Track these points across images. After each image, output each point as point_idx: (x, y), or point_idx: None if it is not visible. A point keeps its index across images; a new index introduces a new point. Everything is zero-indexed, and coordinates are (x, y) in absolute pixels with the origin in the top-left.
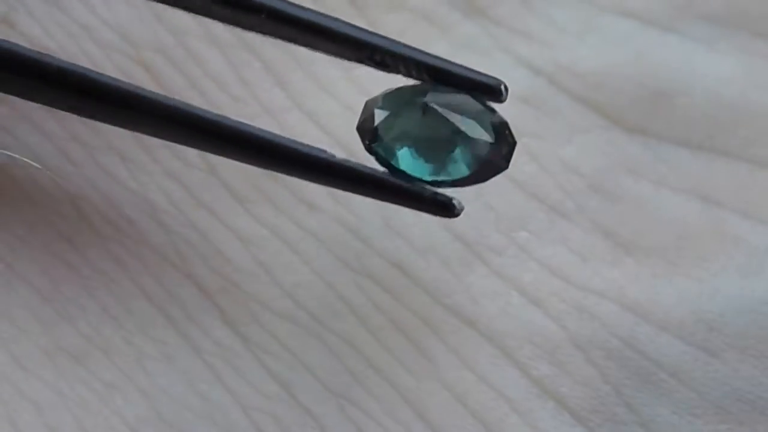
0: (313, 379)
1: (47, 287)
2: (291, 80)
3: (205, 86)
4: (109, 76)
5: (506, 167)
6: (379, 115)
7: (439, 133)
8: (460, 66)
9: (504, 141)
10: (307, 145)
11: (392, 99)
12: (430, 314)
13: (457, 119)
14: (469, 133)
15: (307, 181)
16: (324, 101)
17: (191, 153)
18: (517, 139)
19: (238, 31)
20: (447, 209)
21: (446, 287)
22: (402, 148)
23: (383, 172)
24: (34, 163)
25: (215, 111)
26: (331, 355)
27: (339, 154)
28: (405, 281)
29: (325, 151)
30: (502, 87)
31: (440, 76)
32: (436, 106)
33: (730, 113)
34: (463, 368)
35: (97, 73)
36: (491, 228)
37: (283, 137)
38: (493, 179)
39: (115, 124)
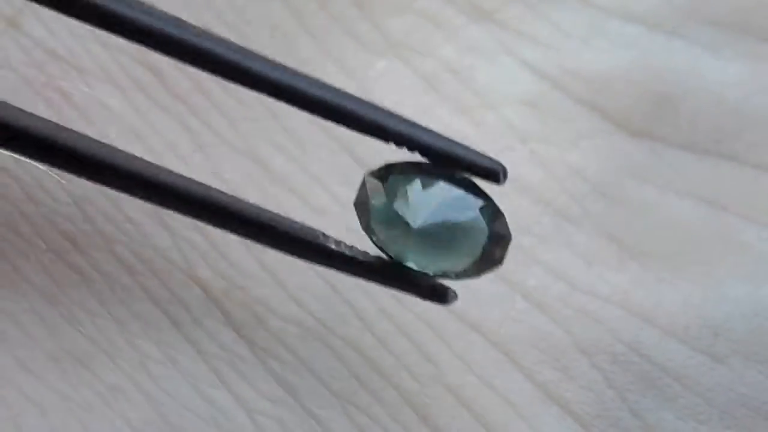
0: (318, 383)
1: (52, 290)
2: None
3: (211, 89)
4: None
5: (501, 264)
6: (372, 219)
7: (431, 248)
8: (462, 146)
9: (498, 242)
10: (306, 227)
11: (391, 188)
12: (435, 319)
13: (453, 230)
14: (465, 241)
15: (303, 261)
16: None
17: (197, 156)
18: (522, 143)
19: (242, 33)
20: (442, 297)
21: None
22: (396, 243)
23: (379, 259)
24: (40, 166)
25: (220, 114)
26: (336, 359)
27: (341, 157)
28: None
29: (324, 235)
30: (501, 173)
31: (438, 156)
32: (435, 225)
33: (735, 118)
34: (467, 373)
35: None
36: None
37: (283, 218)
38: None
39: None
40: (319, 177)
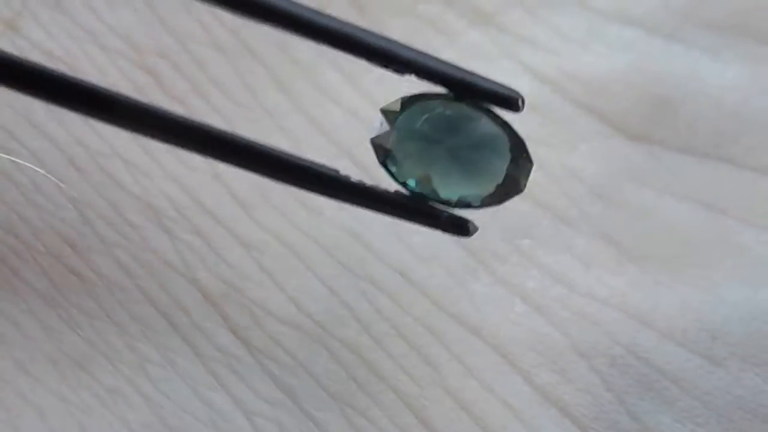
0: (316, 386)
1: (51, 293)
2: (294, 86)
3: (209, 91)
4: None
5: (523, 189)
6: (396, 139)
7: (456, 168)
8: (478, 76)
9: (521, 164)
10: (326, 166)
11: (409, 119)
12: (434, 321)
13: (477, 150)
14: (488, 163)
15: (322, 196)
16: (327, 107)
17: (196, 159)
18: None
19: (242, 36)
20: (462, 229)
21: (450, 295)
22: (417, 175)
23: (398, 193)
24: (39, 169)
25: (218, 117)
26: (335, 362)
27: (341, 161)
28: (409, 288)
29: (338, 172)
30: (519, 100)
31: (457, 86)
32: (455, 148)
33: (734, 121)
34: (466, 375)
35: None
36: (495, 235)
37: (303, 158)
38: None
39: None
40: None
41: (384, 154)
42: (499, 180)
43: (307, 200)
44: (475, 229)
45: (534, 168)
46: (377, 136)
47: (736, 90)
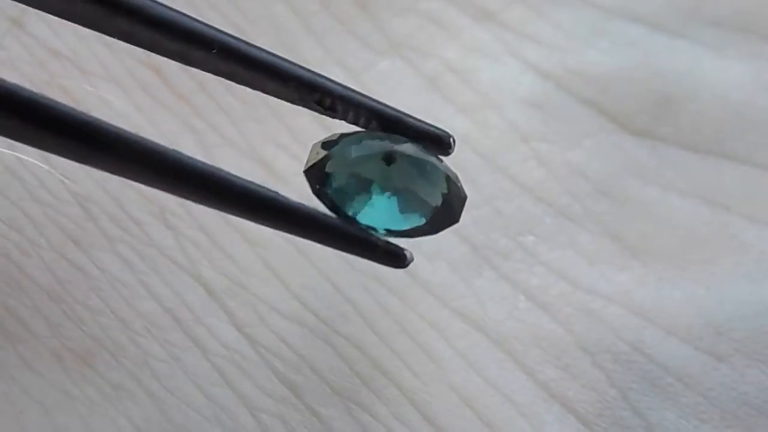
0: (320, 382)
1: (55, 288)
2: None
3: (215, 89)
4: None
5: (458, 220)
6: (332, 161)
7: (396, 185)
8: (411, 117)
9: (456, 194)
10: (264, 187)
11: (345, 149)
12: (438, 317)
13: (415, 171)
14: (427, 185)
15: (257, 224)
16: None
17: (200, 156)
18: (524, 142)
19: (245, 33)
20: (398, 260)
21: (454, 291)
22: (355, 197)
23: (336, 219)
24: (43, 165)
25: (224, 115)
26: (339, 358)
27: None
28: (412, 284)
29: (277, 193)
30: (451, 140)
31: (391, 125)
32: (401, 157)
33: (738, 118)
34: (470, 372)
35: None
36: (499, 232)
37: (237, 177)
38: (501, 183)
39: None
40: None
41: (318, 184)
42: (437, 203)
43: (312, 198)
44: (411, 259)
45: (536, 164)
46: (311, 166)
47: (740, 87)
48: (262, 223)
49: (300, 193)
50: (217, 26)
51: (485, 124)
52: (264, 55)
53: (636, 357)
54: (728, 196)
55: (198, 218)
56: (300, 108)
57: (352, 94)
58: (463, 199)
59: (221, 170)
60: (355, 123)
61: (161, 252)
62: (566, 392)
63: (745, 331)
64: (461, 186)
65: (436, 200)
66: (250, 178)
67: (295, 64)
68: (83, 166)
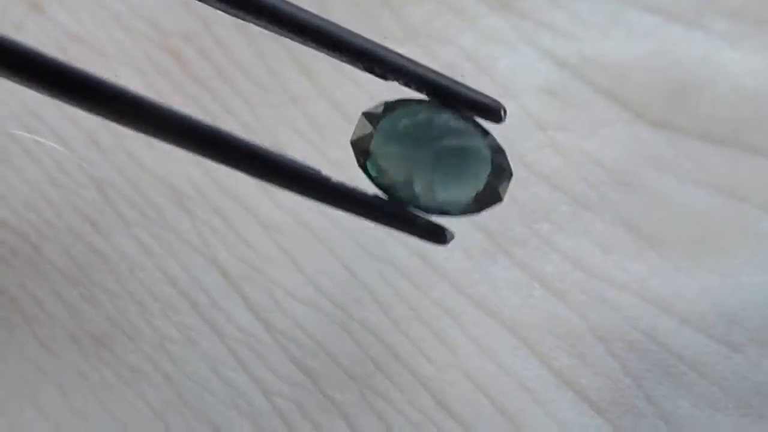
0: (335, 367)
1: (73, 271)
2: (316, 69)
3: (233, 75)
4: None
5: (502, 199)
6: (377, 139)
7: (438, 175)
8: (463, 85)
9: (500, 173)
10: (307, 165)
11: (392, 122)
12: (453, 304)
13: (459, 155)
14: (469, 171)
15: (301, 196)
16: (350, 90)
17: None
18: (541, 131)
19: None
20: (439, 236)
21: (469, 278)
22: (398, 180)
23: (376, 197)
24: (61, 148)
25: (241, 100)
26: (354, 343)
27: None
28: (428, 271)
29: (319, 172)
30: (502, 110)
31: (441, 93)
32: (441, 147)
33: (754, 108)
34: (484, 358)
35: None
36: (514, 219)
37: (280, 154)
38: (517, 171)
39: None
40: (338, 162)
41: (363, 156)
42: (479, 188)
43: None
44: (452, 236)
45: (553, 152)
46: (357, 138)
47: (756, 77)
48: (306, 196)
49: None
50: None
51: None
52: (320, 22)
53: (650, 346)
54: (744, 186)
55: (214, 202)
56: (316, 92)
57: (403, 63)
58: (508, 177)
59: (267, 149)
60: (408, 86)
61: (178, 236)
62: (580, 380)
63: (759, 321)
64: (508, 163)
65: (481, 180)
66: None
67: (348, 31)
68: (101, 150)
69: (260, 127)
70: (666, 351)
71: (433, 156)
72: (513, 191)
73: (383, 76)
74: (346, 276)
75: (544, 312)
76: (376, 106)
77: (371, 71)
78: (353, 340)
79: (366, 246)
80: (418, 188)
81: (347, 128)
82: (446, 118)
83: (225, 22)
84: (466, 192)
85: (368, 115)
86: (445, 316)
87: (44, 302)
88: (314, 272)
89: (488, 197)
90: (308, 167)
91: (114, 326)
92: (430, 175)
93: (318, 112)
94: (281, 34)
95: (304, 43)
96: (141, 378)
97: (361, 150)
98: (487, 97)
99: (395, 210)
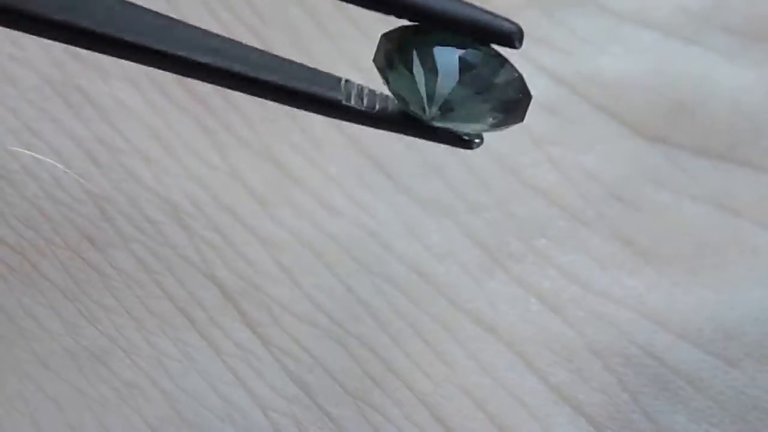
0: (332, 382)
1: (70, 287)
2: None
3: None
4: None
5: (522, 119)
6: (393, 76)
7: (464, 92)
8: (478, 7)
9: (522, 95)
10: (327, 74)
11: (409, 50)
12: (450, 319)
13: (484, 77)
14: (495, 91)
15: (323, 116)
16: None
17: (215, 157)
18: (538, 146)
19: (260, 35)
20: (464, 142)
21: (466, 293)
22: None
23: (402, 112)
24: (59, 165)
25: (239, 115)
26: (351, 358)
27: (362, 155)
28: (425, 286)
29: (347, 81)
30: (516, 34)
31: (452, 22)
32: (468, 63)
33: (751, 124)
34: (481, 374)
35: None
36: (511, 235)
37: (302, 65)
38: (514, 186)
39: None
40: (336, 178)
41: (385, 80)
42: (502, 107)
43: (325, 198)
44: (481, 142)
45: (550, 168)
46: (379, 57)
47: (752, 93)
48: (327, 116)
49: (313, 193)
50: (231, 27)
51: None
52: None
53: (647, 361)
54: (740, 202)
55: (212, 219)
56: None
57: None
58: (528, 99)
59: (290, 60)
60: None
61: (176, 252)
62: (577, 395)
63: (755, 336)
64: (526, 89)
65: (503, 104)
66: (263, 179)
67: None
68: (98, 166)
69: (257, 141)
70: (663, 366)
71: (457, 84)
72: (510, 206)
73: (398, 14)
74: (343, 292)
75: (541, 327)
76: (393, 31)
77: (386, 11)
78: (351, 355)
79: (364, 262)
80: (458, 115)
81: (345, 144)
82: (465, 46)
83: None
84: (490, 113)
85: (387, 38)
86: (443, 331)
87: (41, 318)
88: (312, 288)
89: (510, 116)
90: (329, 76)
91: (111, 342)
92: (454, 101)
93: (315, 127)
94: None
95: None
96: (138, 394)
97: (383, 69)
98: (503, 19)
99: (418, 123)
